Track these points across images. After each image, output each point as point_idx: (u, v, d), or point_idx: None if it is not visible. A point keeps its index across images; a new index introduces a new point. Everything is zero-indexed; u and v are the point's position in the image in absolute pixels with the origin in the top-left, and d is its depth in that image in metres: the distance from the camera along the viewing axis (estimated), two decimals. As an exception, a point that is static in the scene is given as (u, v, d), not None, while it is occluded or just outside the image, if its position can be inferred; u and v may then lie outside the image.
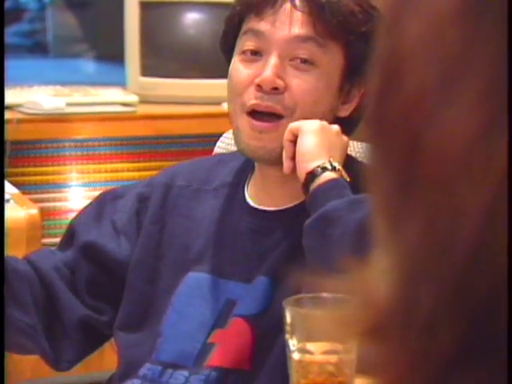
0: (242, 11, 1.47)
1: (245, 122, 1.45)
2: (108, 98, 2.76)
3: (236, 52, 1.48)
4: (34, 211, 2.20)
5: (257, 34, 1.45)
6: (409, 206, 0.47)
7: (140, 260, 1.53)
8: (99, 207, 1.60)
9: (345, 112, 1.49)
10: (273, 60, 1.43)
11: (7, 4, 7.42)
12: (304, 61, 1.44)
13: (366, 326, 0.50)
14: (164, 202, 1.56)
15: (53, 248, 1.61)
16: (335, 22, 1.43)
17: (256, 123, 1.44)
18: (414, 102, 0.46)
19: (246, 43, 1.46)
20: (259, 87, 1.43)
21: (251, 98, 1.44)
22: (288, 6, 1.43)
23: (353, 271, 0.51)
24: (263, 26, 1.44)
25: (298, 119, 1.43)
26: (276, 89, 1.43)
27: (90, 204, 1.64)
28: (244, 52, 1.46)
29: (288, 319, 1.17)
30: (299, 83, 1.44)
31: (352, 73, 1.46)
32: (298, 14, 1.43)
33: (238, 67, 1.46)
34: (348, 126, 1.48)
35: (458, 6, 0.45)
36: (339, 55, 1.45)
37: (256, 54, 1.45)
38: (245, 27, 1.46)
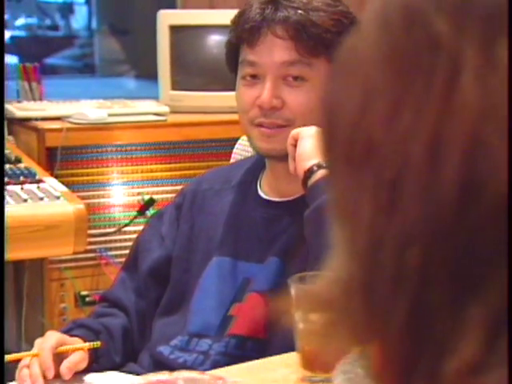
0: (236, 43, 1.48)
1: (255, 131, 1.47)
2: (143, 109, 2.75)
3: (239, 76, 1.49)
4: (80, 206, 2.19)
5: (251, 63, 1.46)
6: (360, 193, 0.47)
7: (177, 255, 1.55)
8: (151, 230, 1.62)
9: None
10: (268, 84, 1.44)
11: (62, 31, 7.44)
12: (295, 78, 1.44)
13: (321, 301, 0.50)
14: (192, 204, 1.59)
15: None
16: (313, 43, 1.42)
17: (264, 130, 1.46)
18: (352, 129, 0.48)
19: (244, 71, 1.47)
20: (261, 107, 1.44)
21: (257, 116, 1.46)
22: (272, 36, 1.43)
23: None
24: (254, 56, 1.45)
25: (298, 126, 1.43)
26: (274, 107, 1.44)
27: (146, 226, 1.68)
28: (244, 77, 1.47)
29: (293, 293, 1.16)
30: (293, 98, 1.44)
31: None
32: (281, 42, 1.43)
33: (242, 90, 1.48)
34: None
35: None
36: (325, 65, 1.45)
37: (255, 77, 1.46)
38: (241, 57, 1.48)
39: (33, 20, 7.38)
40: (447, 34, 0.44)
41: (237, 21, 1.48)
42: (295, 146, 1.41)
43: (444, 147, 0.43)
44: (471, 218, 0.42)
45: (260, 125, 1.46)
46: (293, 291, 1.17)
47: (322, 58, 1.44)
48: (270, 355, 1.35)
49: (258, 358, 1.34)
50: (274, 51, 1.43)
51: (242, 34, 1.45)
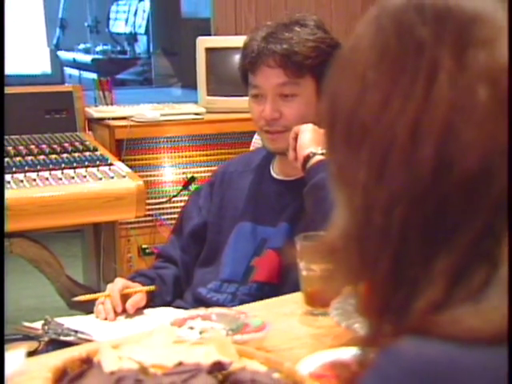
0: (245, 69, 1.45)
1: (264, 136, 1.46)
2: (186, 110, 2.70)
3: (249, 94, 1.46)
4: (140, 183, 2.17)
5: (255, 86, 1.42)
6: (356, 164, 0.45)
7: (211, 221, 1.52)
8: (192, 203, 1.58)
9: None
10: (268, 101, 1.41)
11: (129, 55, 7.39)
12: (288, 95, 1.40)
13: (325, 250, 0.48)
14: (222, 183, 1.55)
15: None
16: (297, 68, 1.38)
17: (270, 136, 1.44)
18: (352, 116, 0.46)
19: (251, 91, 1.44)
20: (265, 119, 1.41)
21: (263, 125, 1.43)
22: (265, 66, 1.39)
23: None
24: (256, 81, 1.42)
25: None
26: (274, 119, 1.41)
27: (188, 200, 1.64)
28: (252, 96, 1.44)
29: (298, 249, 1.13)
30: (288, 110, 1.41)
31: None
32: (273, 70, 1.39)
33: (252, 105, 1.45)
34: None
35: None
36: (310, 81, 1.40)
37: (259, 96, 1.43)
38: (249, 80, 1.44)
39: (108, 47, 7.36)
40: (429, 40, 0.43)
41: (242, 53, 1.45)
42: (295, 139, 1.38)
43: (423, 131, 0.42)
44: (442, 188, 0.41)
45: (266, 131, 1.43)
46: (298, 247, 1.14)
47: (308, 77, 1.40)
48: (282, 295, 1.30)
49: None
50: (268, 77, 1.40)
51: (246, 65, 1.44)
